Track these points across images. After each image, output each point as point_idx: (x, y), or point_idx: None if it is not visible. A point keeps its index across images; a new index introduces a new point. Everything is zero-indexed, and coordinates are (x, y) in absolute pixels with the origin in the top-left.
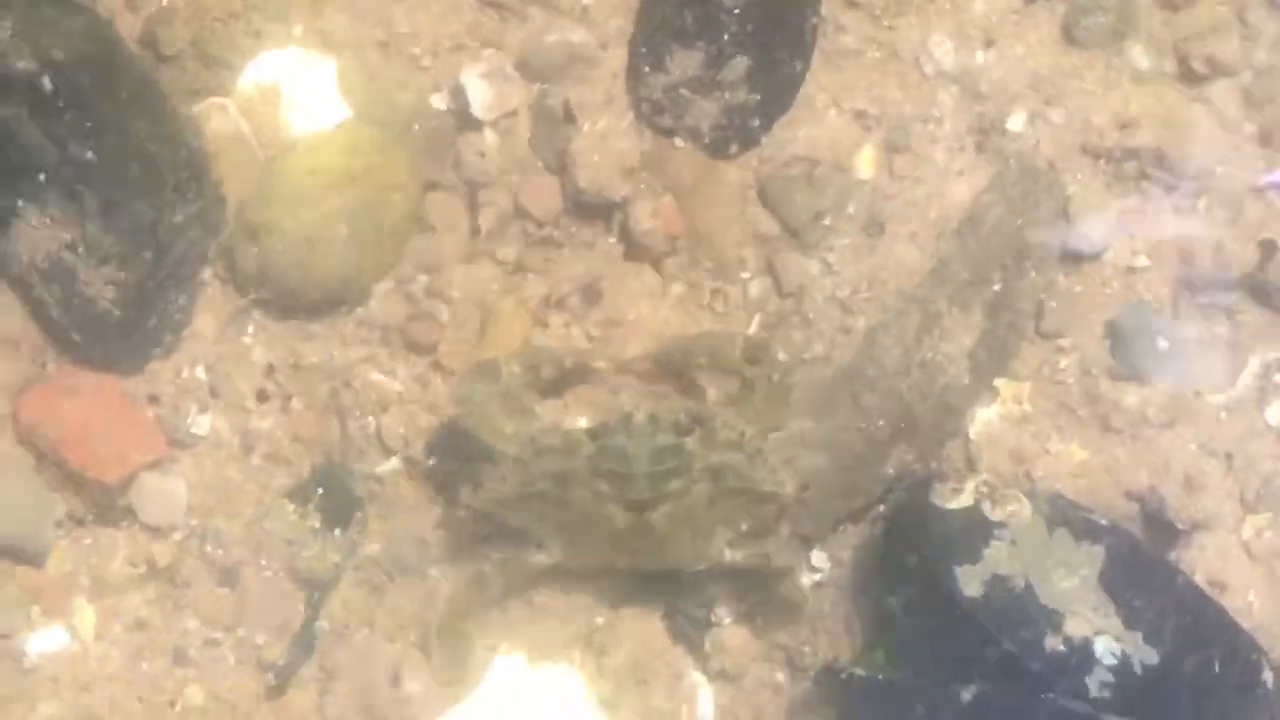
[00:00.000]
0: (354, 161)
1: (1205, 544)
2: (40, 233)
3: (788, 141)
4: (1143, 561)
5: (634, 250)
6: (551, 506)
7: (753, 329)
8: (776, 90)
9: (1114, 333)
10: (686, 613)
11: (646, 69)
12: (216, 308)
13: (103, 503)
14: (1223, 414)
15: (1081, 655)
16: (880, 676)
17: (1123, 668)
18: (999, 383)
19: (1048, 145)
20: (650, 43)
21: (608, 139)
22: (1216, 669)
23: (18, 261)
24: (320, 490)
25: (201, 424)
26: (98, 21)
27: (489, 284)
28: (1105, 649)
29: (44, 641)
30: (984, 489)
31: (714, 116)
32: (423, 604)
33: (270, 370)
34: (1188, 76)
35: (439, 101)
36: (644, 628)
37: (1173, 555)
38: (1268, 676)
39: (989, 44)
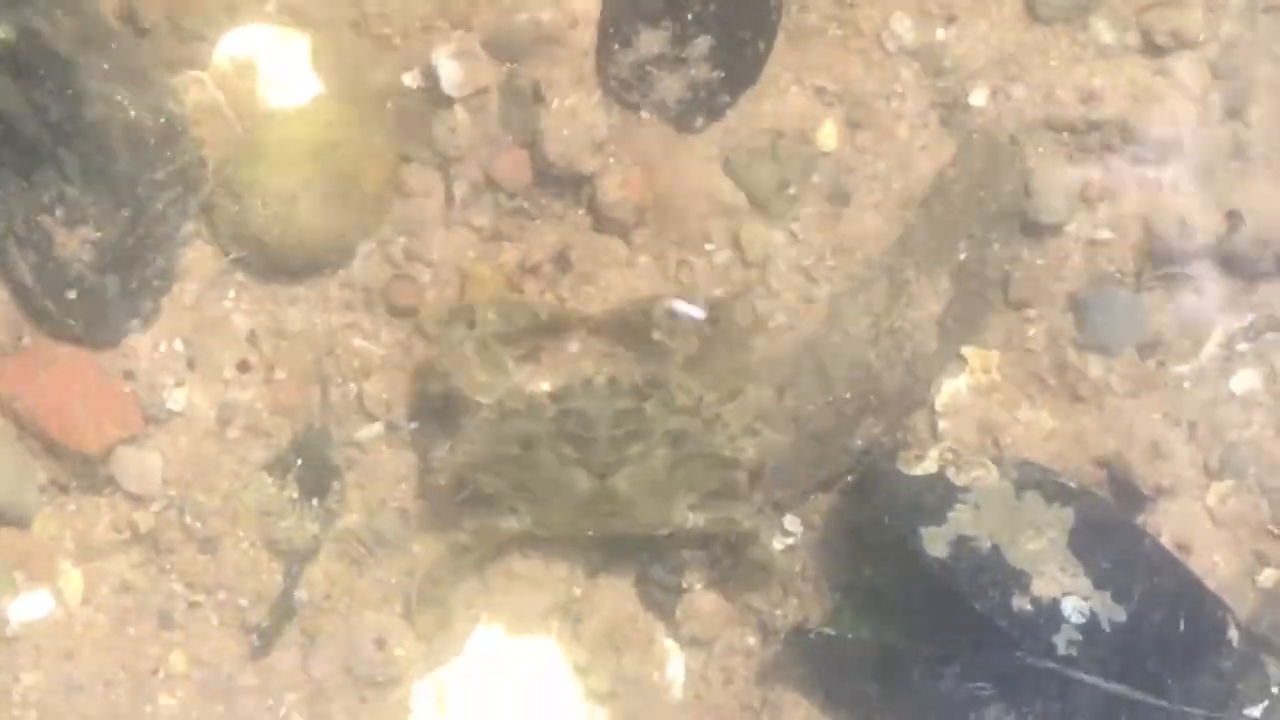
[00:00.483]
0: (330, 135)
1: (1170, 509)
2: (18, 198)
3: (752, 115)
4: (1111, 524)
5: (602, 222)
6: (520, 470)
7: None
8: (741, 67)
9: (1078, 304)
10: (658, 579)
11: (615, 47)
12: (197, 272)
13: (84, 471)
14: (1187, 383)
15: (1049, 614)
16: (849, 635)
17: (1090, 626)
18: (967, 352)
19: (1010, 119)
20: (618, 22)
21: (576, 115)
22: (1182, 627)
23: None
24: (299, 460)
25: (178, 398)
26: None
27: (466, 250)
28: (1073, 608)
29: (29, 606)
30: (949, 455)
31: (679, 91)
32: (405, 574)
33: (252, 337)
34: (1151, 49)
35: (410, 80)
36: (618, 596)
37: (1139, 519)
38: (1233, 635)
39: (950, 20)
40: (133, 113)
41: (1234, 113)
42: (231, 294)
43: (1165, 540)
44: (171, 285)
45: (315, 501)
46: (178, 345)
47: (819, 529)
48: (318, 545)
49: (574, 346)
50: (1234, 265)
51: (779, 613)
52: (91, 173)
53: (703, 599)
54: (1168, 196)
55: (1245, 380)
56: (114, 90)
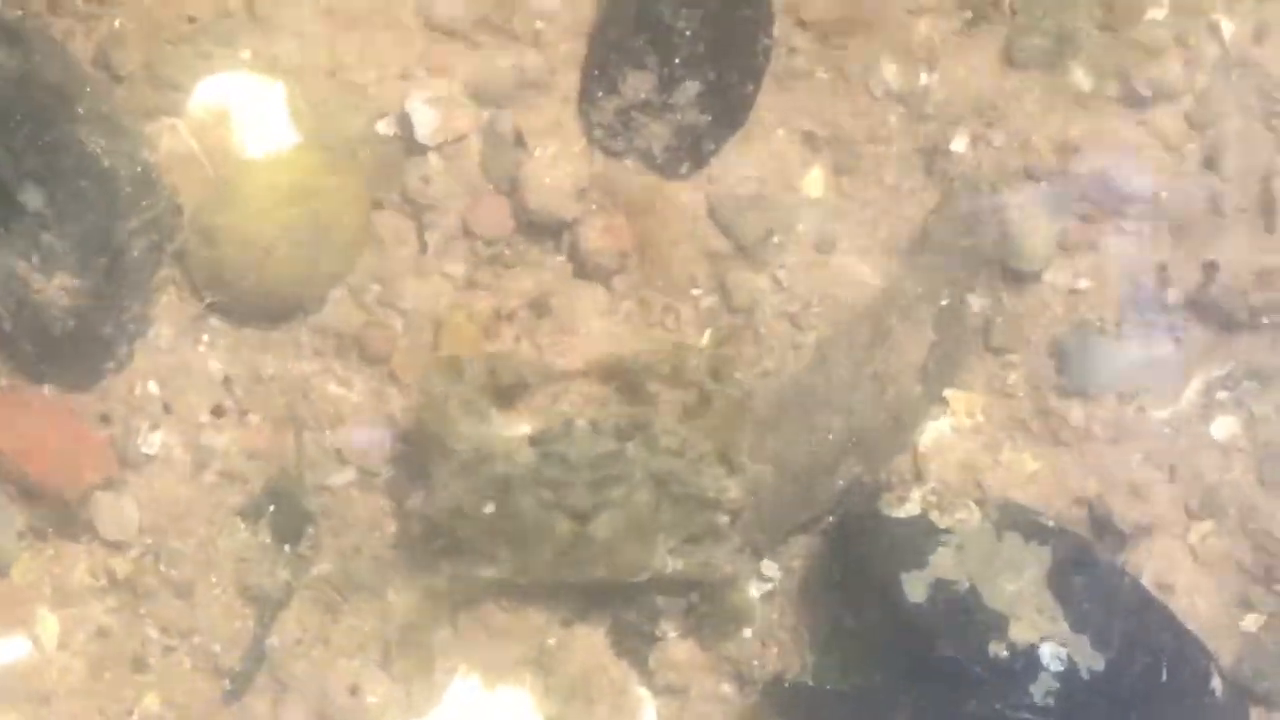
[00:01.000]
0: (304, 181)
1: (1151, 548)
2: None
3: (738, 161)
4: (1091, 563)
5: (584, 268)
6: (498, 516)
7: (704, 343)
8: (727, 111)
9: (1059, 351)
10: (633, 626)
11: (599, 93)
12: (172, 317)
13: (62, 517)
14: (1167, 429)
15: (1027, 661)
16: (829, 687)
17: (1068, 674)
18: (950, 394)
19: (989, 167)
20: (603, 66)
21: (558, 162)
22: (1164, 676)
23: None
24: (271, 506)
25: (153, 442)
26: (51, 42)
27: (439, 298)
28: (1051, 655)
29: (5, 651)
30: (931, 498)
31: (665, 138)
32: (379, 621)
33: (227, 382)
34: (1130, 99)
35: (384, 127)
36: (591, 645)
37: (1120, 559)
38: (1216, 684)
39: (932, 66)
40: (107, 161)
41: (1209, 164)
42: (206, 338)
43: (1147, 580)
44: (147, 330)
45: (288, 547)
46: (153, 388)
47: (798, 573)
48: (290, 591)
49: (556, 389)
50: (1211, 315)
51: (755, 661)
52: (67, 220)
53: (677, 647)
54: (1146, 246)
55: (1225, 426)
56: (90, 137)
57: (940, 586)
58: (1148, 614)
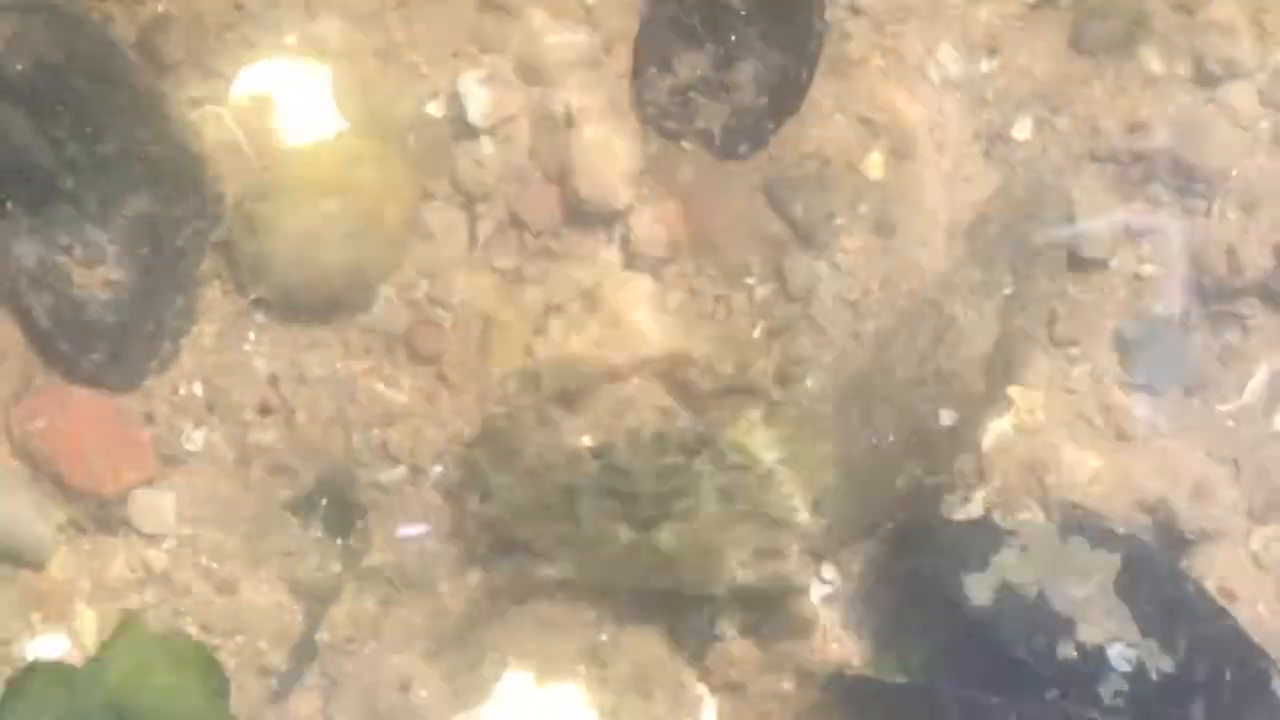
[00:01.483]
0: (350, 171)
1: (1214, 554)
2: (32, 237)
3: (797, 142)
4: (1156, 569)
5: (634, 259)
6: (559, 521)
7: (756, 335)
8: (784, 94)
9: (1122, 341)
10: (691, 626)
11: (653, 71)
12: (216, 314)
13: (99, 513)
14: (1230, 422)
15: (1095, 662)
16: (890, 681)
17: (1137, 675)
18: (1013, 391)
19: (1054, 152)
20: (655, 44)
21: (610, 144)
22: (1228, 678)
23: (7, 268)
24: (323, 500)
25: (196, 440)
26: (93, 27)
27: (488, 292)
28: (1119, 656)
29: (44, 648)
30: (994, 498)
31: (724, 118)
32: (431, 617)
33: (273, 380)
34: (1202, 79)
35: (435, 109)
36: (647, 640)
37: (1183, 564)
38: (1277, 686)
39: (993, 52)
40: (152, 148)
41: None
42: (251, 336)
43: (1210, 585)
44: (190, 326)
45: (339, 541)
46: (197, 389)
47: (859, 577)
48: (341, 585)
49: (625, 392)
50: None
51: (816, 658)
52: (110, 210)
53: (736, 646)
54: (1214, 230)
55: None
56: (132, 126)
57: (1006, 589)
58: (1212, 620)
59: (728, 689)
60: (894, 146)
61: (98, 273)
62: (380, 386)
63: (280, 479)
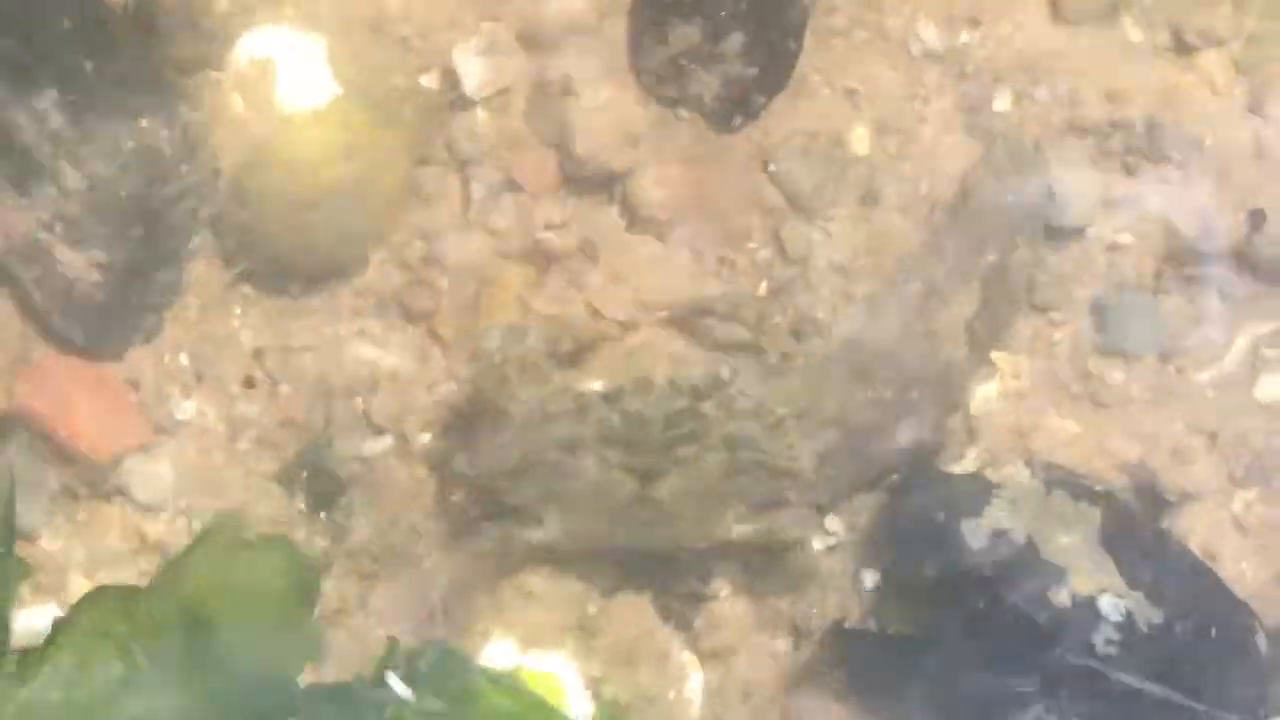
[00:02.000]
0: (346, 138)
1: (1196, 514)
2: (19, 214)
3: (787, 115)
4: (1137, 527)
5: (636, 221)
6: (555, 477)
7: (762, 294)
8: (773, 66)
9: (1099, 309)
10: (681, 588)
11: (648, 40)
12: (203, 286)
13: (94, 480)
14: (1210, 391)
15: (1088, 611)
16: (891, 631)
17: (1128, 625)
18: (997, 357)
19: (1033, 123)
20: (650, 14)
21: (609, 109)
22: (1213, 632)
23: None
24: (305, 474)
25: (186, 409)
26: None
27: (484, 254)
28: (1111, 606)
29: (36, 619)
30: (986, 455)
31: (715, 88)
32: (417, 590)
33: (259, 354)
34: (1180, 47)
35: (429, 80)
36: (634, 610)
37: (1165, 524)
38: (1261, 641)
39: (974, 24)
40: (144, 121)
41: (1254, 109)
42: (238, 309)
43: (1193, 546)
44: (175, 300)
45: (324, 515)
46: (183, 359)
47: (860, 529)
48: (328, 559)
49: (635, 341)
50: (1257, 267)
51: (814, 611)
52: (97, 186)
53: (726, 606)
54: (1189, 196)
55: (1271, 387)
56: (123, 96)
57: (998, 535)
58: (1195, 576)
59: (715, 657)
60: (877, 119)
61: (84, 251)
62: (367, 349)
63: (266, 452)
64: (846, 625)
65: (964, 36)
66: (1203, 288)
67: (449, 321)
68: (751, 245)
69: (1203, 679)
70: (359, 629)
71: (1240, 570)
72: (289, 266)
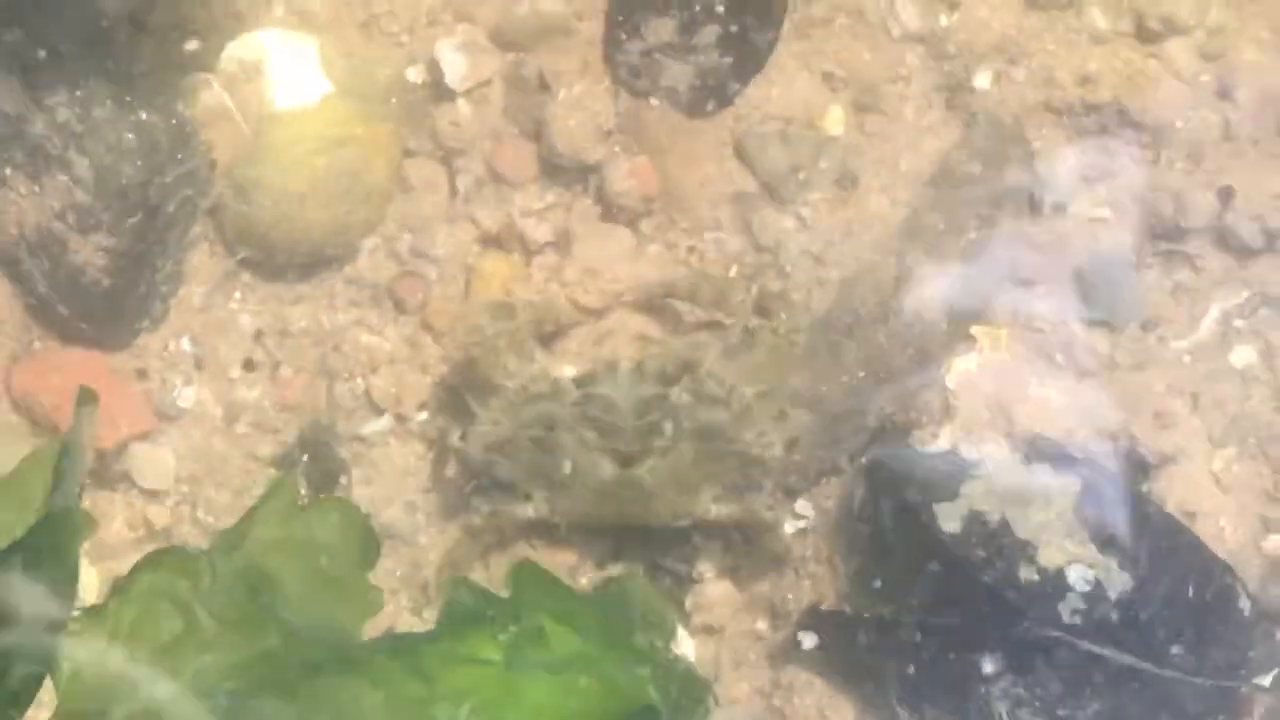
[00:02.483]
0: (337, 131)
1: (1176, 475)
2: (28, 202)
3: (761, 101)
4: (1117, 492)
5: (610, 211)
6: (541, 454)
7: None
8: (748, 56)
9: (1081, 281)
10: (669, 569)
11: (624, 36)
12: (204, 274)
13: (98, 468)
14: (1187, 357)
15: (1055, 583)
16: (865, 614)
17: (1095, 594)
18: (977, 330)
19: (1012, 102)
20: (627, 12)
21: (583, 103)
22: (1191, 594)
23: (4, 233)
24: (305, 457)
25: (188, 396)
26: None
27: (470, 244)
28: (1078, 577)
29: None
30: (960, 433)
31: (689, 78)
32: (413, 567)
33: (258, 336)
34: (1144, 35)
35: (414, 74)
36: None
37: (1145, 487)
38: (1244, 603)
39: (953, 7)
40: (144, 114)
41: (1223, 95)
42: (238, 295)
43: (1172, 507)
44: (179, 288)
45: (323, 497)
46: (185, 345)
47: (832, 512)
48: None
49: (599, 330)
50: (1228, 242)
51: (790, 596)
52: (103, 177)
53: (714, 588)
54: (1163, 176)
55: (1243, 355)
56: (123, 92)
57: (973, 517)
58: (1173, 538)
59: (706, 632)
60: (856, 100)
61: (92, 239)
62: (364, 335)
63: (265, 435)
64: (823, 608)
65: (943, 19)
66: (1179, 261)
67: (439, 310)
68: (721, 234)
69: (1179, 644)
70: None
71: (1220, 528)
72: (285, 255)
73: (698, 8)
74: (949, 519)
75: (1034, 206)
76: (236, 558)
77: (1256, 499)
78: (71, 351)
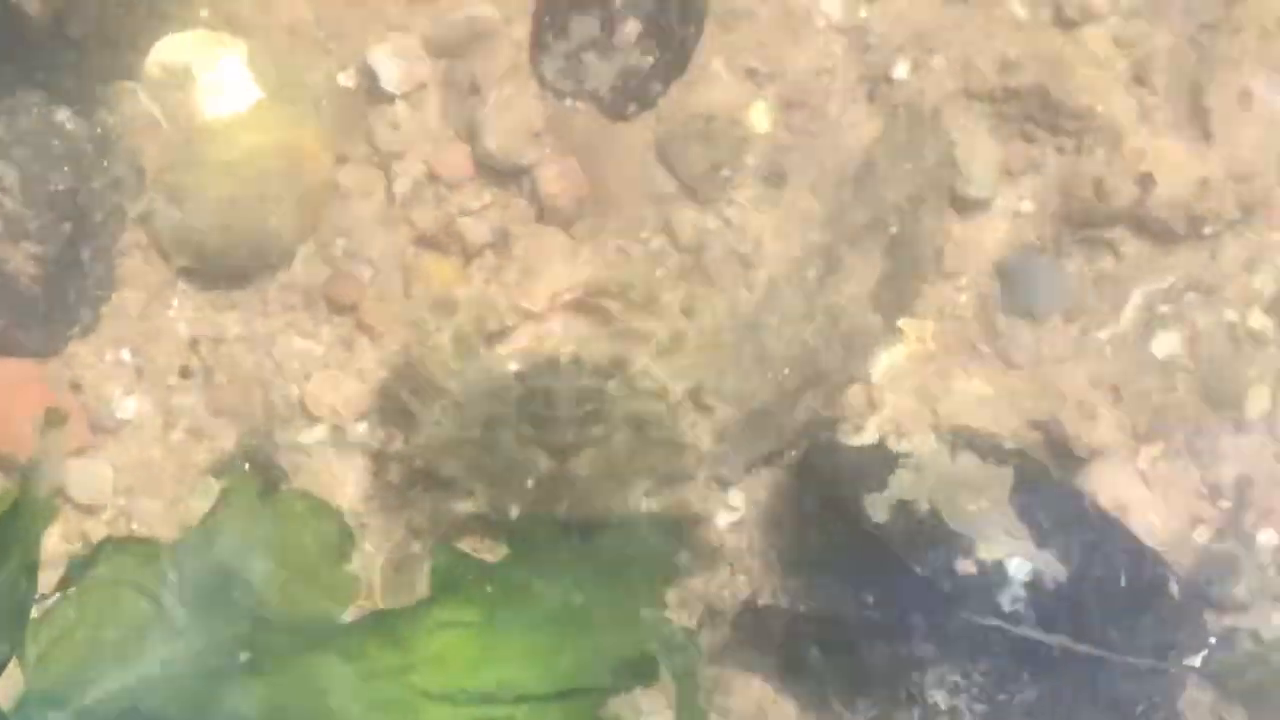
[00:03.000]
0: (268, 137)
1: (1104, 470)
2: None
3: (684, 101)
4: (1048, 484)
5: (545, 213)
6: (480, 451)
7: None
8: (671, 53)
9: (1003, 273)
10: None
11: (550, 38)
12: (140, 282)
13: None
14: (1108, 348)
15: (995, 575)
16: (801, 609)
17: (1034, 584)
18: (903, 323)
19: (932, 92)
20: (553, 12)
21: (513, 106)
22: (1123, 582)
23: None
24: (245, 465)
25: (127, 407)
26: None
27: (407, 245)
28: (1018, 567)
29: None
30: (887, 425)
31: (610, 79)
32: (356, 574)
33: (194, 343)
34: (1061, 22)
35: (346, 79)
36: None
37: (1076, 480)
38: (1174, 589)
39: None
40: (69, 124)
41: (1139, 80)
42: (175, 303)
43: (1103, 500)
44: (110, 295)
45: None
46: (125, 355)
47: (764, 504)
48: None
49: (539, 329)
50: (1149, 228)
51: (725, 593)
52: (30, 185)
53: None
54: (1084, 164)
55: (1166, 343)
56: (49, 100)
57: (901, 507)
58: (1104, 530)
59: None
60: (781, 96)
61: (22, 247)
62: (298, 340)
63: (201, 443)
64: (759, 603)
65: (863, 11)
66: (1100, 249)
67: (375, 310)
68: (644, 235)
69: (1113, 628)
70: None
71: (1149, 521)
72: (219, 262)
73: (619, 3)
74: (878, 509)
75: (954, 198)
76: (204, 551)
77: (1184, 496)
78: (5, 362)
